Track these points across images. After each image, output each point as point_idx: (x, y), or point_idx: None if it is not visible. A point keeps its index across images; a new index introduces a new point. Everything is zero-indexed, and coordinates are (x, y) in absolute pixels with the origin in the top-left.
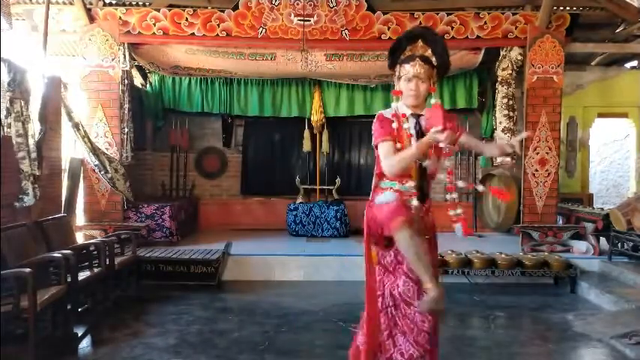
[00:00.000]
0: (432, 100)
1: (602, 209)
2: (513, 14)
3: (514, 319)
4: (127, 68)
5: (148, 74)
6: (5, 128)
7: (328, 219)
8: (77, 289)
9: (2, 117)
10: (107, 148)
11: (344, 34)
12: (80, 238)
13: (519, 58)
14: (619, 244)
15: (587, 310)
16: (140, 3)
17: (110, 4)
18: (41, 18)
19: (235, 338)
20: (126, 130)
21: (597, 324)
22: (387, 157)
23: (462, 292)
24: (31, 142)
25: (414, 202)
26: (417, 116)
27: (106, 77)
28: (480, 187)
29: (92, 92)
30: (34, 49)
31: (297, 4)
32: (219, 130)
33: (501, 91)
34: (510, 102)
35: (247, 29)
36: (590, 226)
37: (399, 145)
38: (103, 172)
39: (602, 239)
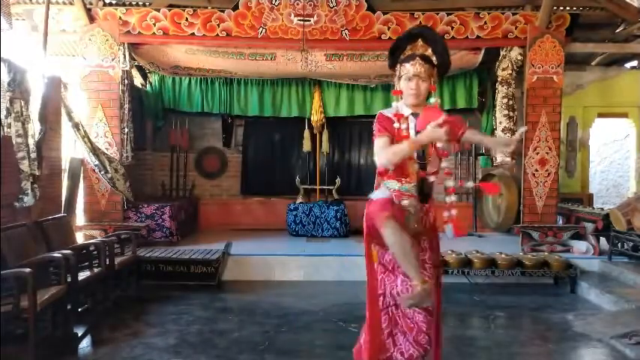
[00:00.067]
0: (432, 100)
1: (602, 209)
2: (513, 14)
3: (514, 319)
4: (127, 68)
5: (148, 74)
6: (5, 128)
7: (328, 219)
8: (77, 289)
9: (2, 117)
10: (107, 148)
11: (344, 34)
12: (80, 238)
13: (519, 58)
14: (619, 244)
15: (587, 310)
16: (140, 3)
17: (110, 4)
18: (41, 18)
19: (235, 338)
20: (126, 130)
21: (597, 324)
22: (381, 150)
23: (462, 292)
24: (31, 142)
25: (405, 202)
26: (417, 115)
27: (106, 77)
28: (469, 184)
29: (92, 92)
30: (34, 49)
31: (297, 4)
32: (219, 130)
33: (501, 91)
34: (510, 102)
35: (247, 29)
36: (590, 226)
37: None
38: (103, 172)
39: (602, 239)
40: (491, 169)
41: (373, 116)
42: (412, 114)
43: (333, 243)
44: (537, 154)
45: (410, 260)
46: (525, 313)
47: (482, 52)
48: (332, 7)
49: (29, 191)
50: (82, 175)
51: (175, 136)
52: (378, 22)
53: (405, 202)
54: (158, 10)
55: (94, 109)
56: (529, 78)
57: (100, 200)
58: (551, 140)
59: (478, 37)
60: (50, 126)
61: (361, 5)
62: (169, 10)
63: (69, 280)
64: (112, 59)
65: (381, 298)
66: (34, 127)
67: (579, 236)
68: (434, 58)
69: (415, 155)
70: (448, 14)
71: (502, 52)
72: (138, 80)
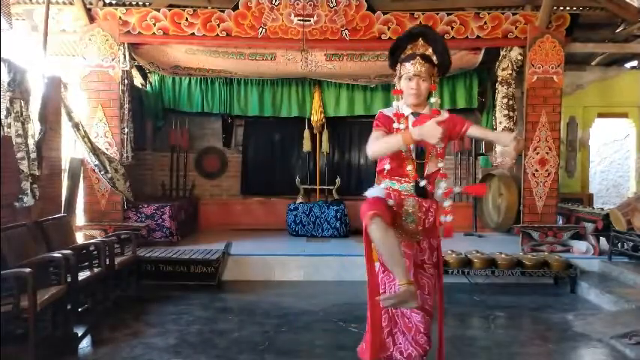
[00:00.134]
0: (432, 99)
1: (602, 209)
2: (513, 14)
3: (514, 319)
4: (127, 68)
5: (148, 74)
6: (5, 128)
7: (328, 219)
8: (77, 289)
9: (2, 117)
10: (107, 148)
11: (344, 34)
12: (80, 238)
13: (519, 58)
14: (619, 244)
15: (587, 310)
16: (140, 3)
17: (110, 4)
18: (41, 18)
19: (235, 338)
20: (126, 130)
21: (597, 324)
22: (373, 140)
23: (462, 292)
24: (31, 142)
25: (390, 202)
26: (418, 115)
27: (106, 77)
28: (457, 189)
29: (92, 92)
30: (34, 49)
31: (297, 4)
32: (219, 130)
33: (501, 91)
34: (510, 102)
35: (247, 29)
36: (590, 226)
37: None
38: (103, 172)
39: (602, 239)
40: (491, 169)
41: (373, 116)
42: (412, 113)
43: (333, 243)
44: (537, 154)
45: (395, 259)
46: (525, 313)
47: (482, 52)
48: (332, 7)
49: (28, 191)
50: (82, 175)
51: (175, 136)
52: (378, 22)
53: (391, 202)
54: (158, 10)
55: (94, 109)
56: (529, 78)
57: (100, 200)
58: (551, 140)
59: (478, 37)
60: (50, 126)
61: (361, 5)
62: (169, 10)
63: (69, 280)
64: (112, 59)
65: None
66: (34, 127)
67: (579, 236)
68: (434, 58)
69: (414, 155)
70: (448, 14)
71: (502, 52)
72: (138, 80)
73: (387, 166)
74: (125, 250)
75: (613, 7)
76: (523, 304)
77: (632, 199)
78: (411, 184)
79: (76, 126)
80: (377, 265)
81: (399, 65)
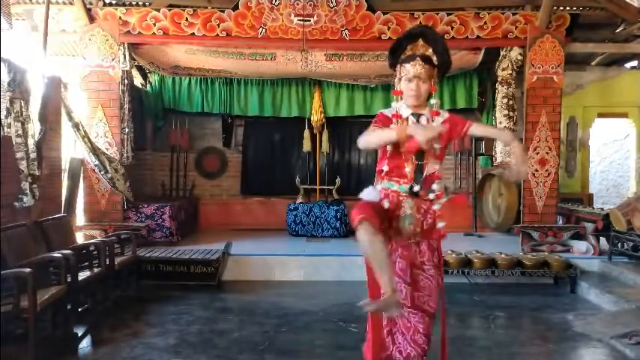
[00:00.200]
0: (432, 101)
1: (602, 209)
2: (513, 14)
3: (514, 319)
4: (127, 68)
5: (148, 74)
6: (5, 128)
7: (328, 219)
8: (77, 289)
9: (2, 117)
10: (107, 148)
11: (344, 34)
12: (80, 238)
13: (519, 58)
14: (619, 244)
15: (587, 310)
16: (140, 3)
17: (110, 4)
18: (41, 18)
19: (235, 338)
20: (126, 130)
21: (597, 324)
22: (368, 132)
23: (462, 292)
24: (31, 142)
25: (386, 205)
26: (418, 116)
27: (106, 77)
28: (444, 200)
29: (92, 92)
30: (34, 49)
31: (297, 4)
32: (219, 130)
33: (501, 91)
34: (510, 102)
35: (247, 29)
36: (590, 226)
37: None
38: (103, 172)
39: (602, 239)
40: (491, 169)
41: (373, 116)
42: (412, 114)
43: (333, 243)
44: (537, 154)
45: (381, 265)
46: (525, 313)
47: (482, 52)
48: (332, 7)
49: (28, 191)
50: (82, 175)
51: (175, 136)
52: (378, 22)
53: (386, 205)
54: (158, 10)
55: (94, 109)
56: (529, 78)
57: (100, 200)
58: (551, 140)
59: (478, 37)
60: (50, 126)
61: (361, 5)
62: (169, 10)
63: (69, 280)
64: (112, 59)
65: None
66: (34, 127)
67: (579, 236)
68: (434, 58)
69: (413, 157)
70: (448, 14)
71: (502, 52)
72: (138, 80)
73: (386, 167)
74: (125, 250)
75: (613, 7)
76: (523, 304)
77: (632, 199)
78: (409, 185)
79: (76, 126)
80: None
81: (398, 66)
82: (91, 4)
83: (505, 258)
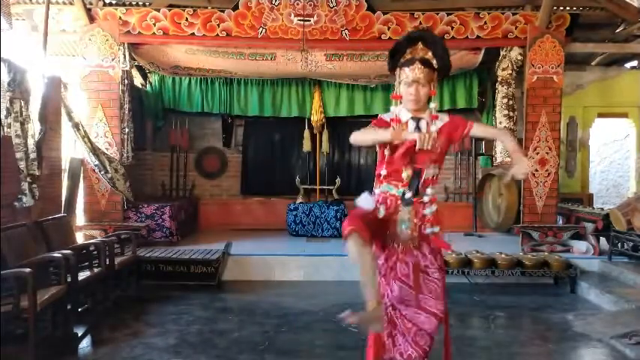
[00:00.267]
0: (432, 105)
1: (602, 209)
2: (513, 14)
3: (514, 319)
4: (127, 68)
5: (148, 74)
6: (5, 128)
7: (328, 219)
8: (77, 289)
9: (2, 117)
10: (107, 148)
11: (344, 34)
12: (80, 238)
13: (519, 58)
14: (619, 244)
15: (587, 310)
16: (140, 3)
17: (110, 4)
18: (41, 18)
19: (235, 338)
20: (126, 130)
21: (597, 324)
22: (362, 130)
23: (462, 292)
24: (31, 142)
25: (381, 213)
26: (417, 120)
27: (106, 77)
28: (429, 211)
29: (92, 92)
30: (34, 49)
31: (297, 4)
32: (219, 130)
33: (501, 91)
34: (510, 102)
35: (247, 29)
36: (590, 226)
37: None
38: (103, 172)
39: (602, 239)
40: (491, 169)
41: (373, 116)
42: (412, 118)
43: (333, 243)
44: (537, 154)
45: (368, 277)
46: (525, 313)
47: (482, 52)
48: (332, 7)
49: (27, 191)
50: (82, 175)
51: (175, 136)
52: (378, 22)
53: (381, 212)
54: (158, 10)
55: (94, 109)
56: (529, 78)
57: (100, 200)
58: (551, 140)
59: (478, 37)
60: (50, 126)
61: (361, 5)
62: (169, 10)
63: (69, 280)
64: (112, 59)
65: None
66: (34, 127)
67: (579, 236)
68: (434, 62)
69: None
70: (448, 14)
71: (502, 52)
72: (138, 80)
73: (384, 172)
74: (125, 250)
75: (613, 7)
76: (523, 304)
77: (632, 199)
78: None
79: (76, 126)
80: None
81: (398, 70)
82: (91, 4)
83: (505, 258)
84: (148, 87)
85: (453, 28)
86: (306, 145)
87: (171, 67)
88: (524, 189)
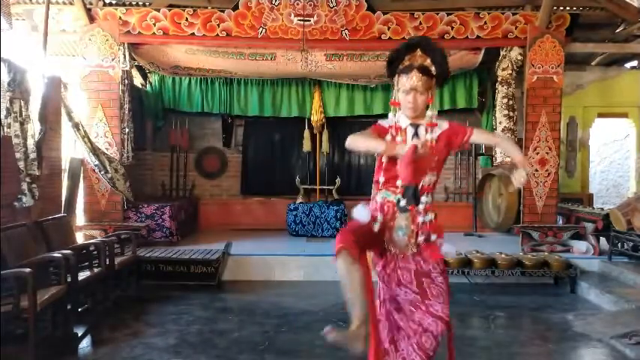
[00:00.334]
0: (429, 112)
1: (602, 209)
2: (513, 14)
3: (514, 319)
4: (127, 68)
5: (148, 74)
6: (5, 128)
7: (328, 219)
8: (77, 289)
9: (2, 117)
10: (107, 148)
11: (344, 34)
12: (80, 238)
13: (519, 58)
14: (619, 244)
15: (587, 310)
16: (140, 3)
17: (110, 4)
18: (41, 18)
19: (235, 338)
20: (126, 130)
21: (597, 324)
22: (360, 134)
23: (462, 292)
24: (30, 142)
25: (377, 225)
26: (416, 126)
27: (106, 77)
28: (422, 219)
29: (92, 92)
30: (34, 49)
31: (297, 4)
32: (219, 130)
33: (501, 91)
34: (510, 102)
35: (247, 29)
36: (590, 226)
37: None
38: (103, 172)
39: (602, 239)
40: (491, 169)
41: (373, 116)
42: (411, 124)
43: (333, 243)
44: (537, 154)
45: (355, 296)
46: (525, 313)
47: (482, 52)
48: (332, 7)
49: (27, 191)
50: (82, 175)
51: (175, 136)
52: (378, 22)
53: (377, 224)
54: (158, 10)
55: (94, 109)
56: (529, 78)
57: (100, 200)
58: (551, 140)
59: (478, 37)
60: (50, 126)
61: (361, 5)
62: (169, 10)
63: (69, 280)
64: (112, 59)
65: (379, 305)
66: (34, 127)
67: (579, 236)
68: (433, 68)
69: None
70: (448, 14)
71: (502, 52)
72: (138, 80)
73: (382, 179)
74: (125, 250)
75: (613, 7)
76: (523, 304)
77: (632, 199)
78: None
79: (76, 126)
80: (373, 273)
81: (396, 77)
82: (91, 4)
83: (505, 258)
84: (148, 87)
85: (453, 28)
86: (306, 145)
87: (171, 67)
88: (524, 189)
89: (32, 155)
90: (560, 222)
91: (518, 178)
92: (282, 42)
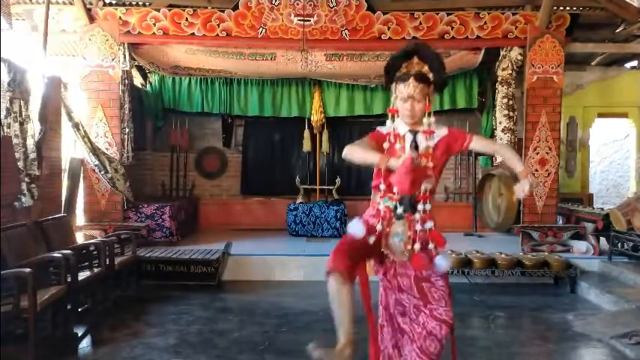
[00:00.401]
0: (425, 120)
1: (602, 209)
2: (513, 14)
3: (514, 319)
4: (127, 68)
5: (148, 74)
6: (5, 128)
7: (328, 219)
8: (77, 289)
9: (2, 117)
10: (107, 148)
11: (344, 34)
12: (80, 238)
13: (519, 58)
14: (619, 244)
15: (587, 310)
16: (140, 3)
17: (110, 4)
18: (41, 18)
19: (235, 338)
20: (126, 130)
21: (597, 324)
22: (359, 143)
23: (462, 292)
24: (30, 142)
25: (372, 239)
26: (415, 133)
27: (106, 77)
28: (419, 227)
29: (92, 92)
30: (34, 49)
31: (297, 4)
32: (219, 130)
33: (501, 91)
34: (510, 102)
35: (247, 29)
36: (590, 226)
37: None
38: (103, 172)
39: (602, 239)
40: (491, 169)
41: (373, 116)
42: (409, 131)
43: (333, 243)
44: (537, 154)
45: (342, 315)
46: (525, 313)
47: (482, 52)
48: (332, 7)
49: (26, 191)
50: (82, 175)
51: (175, 136)
52: (378, 22)
53: (372, 240)
54: (158, 10)
55: (94, 109)
56: (529, 78)
57: (100, 200)
58: (551, 140)
59: (478, 37)
60: (50, 126)
61: (361, 5)
62: (169, 10)
63: (69, 280)
64: (112, 59)
65: (382, 310)
66: (34, 127)
67: (579, 236)
68: (430, 76)
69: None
70: (448, 14)
71: (502, 52)
72: (138, 80)
73: (382, 187)
74: (125, 250)
75: (613, 7)
76: (523, 304)
77: (632, 199)
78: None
79: (76, 126)
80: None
81: (394, 84)
82: (91, 4)
83: (505, 258)
84: (148, 87)
85: (452, 28)
86: (306, 145)
87: (171, 67)
88: None
89: (32, 155)
90: (560, 222)
91: (520, 190)
92: (282, 42)
